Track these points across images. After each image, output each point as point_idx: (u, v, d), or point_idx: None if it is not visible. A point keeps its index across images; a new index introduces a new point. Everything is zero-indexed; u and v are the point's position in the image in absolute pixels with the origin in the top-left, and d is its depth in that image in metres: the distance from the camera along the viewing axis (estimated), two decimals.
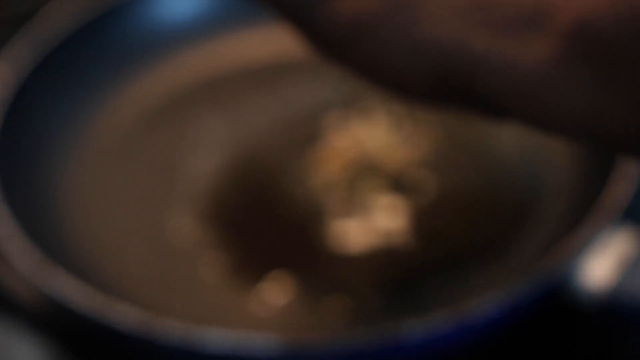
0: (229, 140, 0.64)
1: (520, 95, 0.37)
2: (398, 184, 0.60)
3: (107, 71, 0.66)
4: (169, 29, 0.68)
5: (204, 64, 0.69)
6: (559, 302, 0.51)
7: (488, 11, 0.37)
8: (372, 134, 0.60)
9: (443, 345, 0.50)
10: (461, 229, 0.58)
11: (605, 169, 0.54)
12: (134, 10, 0.68)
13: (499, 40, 0.37)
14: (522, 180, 0.60)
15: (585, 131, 0.37)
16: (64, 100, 0.65)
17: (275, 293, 0.55)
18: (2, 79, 0.62)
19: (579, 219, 0.53)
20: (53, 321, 0.56)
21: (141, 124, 0.65)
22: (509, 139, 0.61)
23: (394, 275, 0.56)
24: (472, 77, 0.38)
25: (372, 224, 0.58)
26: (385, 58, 0.40)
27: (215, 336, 0.48)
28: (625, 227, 0.51)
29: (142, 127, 0.65)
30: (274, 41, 0.68)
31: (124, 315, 0.50)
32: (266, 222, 0.59)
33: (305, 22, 0.43)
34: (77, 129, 0.64)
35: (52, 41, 0.64)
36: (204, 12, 0.69)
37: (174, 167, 0.63)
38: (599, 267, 0.50)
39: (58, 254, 0.56)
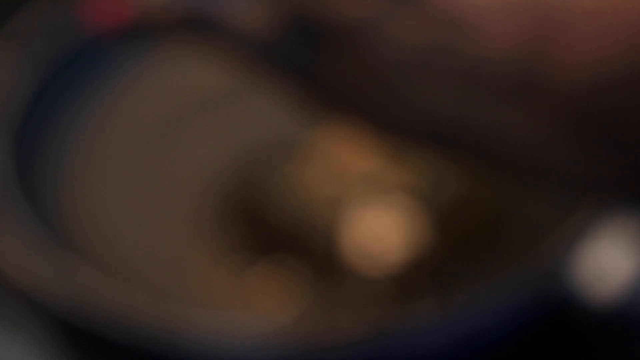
0: (227, 146, 0.64)
1: (514, 155, 0.39)
2: (395, 188, 0.60)
3: (111, 77, 0.67)
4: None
5: (202, 73, 0.68)
6: (560, 311, 0.51)
7: (486, 82, 0.39)
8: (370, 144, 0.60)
9: (442, 351, 0.49)
10: (461, 234, 0.58)
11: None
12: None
13: (498, 109, 0.39)
14: (521, 187, 0.60)
15: (572, 185, 0.40)
16: (65, 105, 0.65)
17: (276, 288, 0.56)
18: (7, 64, 0.63)
19: (580, 222, 0.53)
20: (58, 313, 0.56)
21: (144, 123, 0.66)
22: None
23: (391, 279, 0.56)
24: (463, 135, 0.40)
25: (368, 228, 0.58)
26: (376, 115, 0.42)
27: (213, 322, 0.48)
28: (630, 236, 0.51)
29: (143, 131, 0.65)
30: None
31: (131, 305, 0.50)
32: (263, 222, 0.59)
33: (291, 77, 0.43)
34: (87, 124, 0.65)
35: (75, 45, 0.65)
36: None
37: (174, 169, 0.63)
38: (601, 273, 0.50)
39: (62, 245, 0.56)
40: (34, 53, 0.64)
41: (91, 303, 0.51)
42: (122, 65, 0.67)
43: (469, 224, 0.58)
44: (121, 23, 0.43)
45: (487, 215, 0.58)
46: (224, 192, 0.62)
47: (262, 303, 0.55)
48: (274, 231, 0.59)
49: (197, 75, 0.69)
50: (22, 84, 0.62)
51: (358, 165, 0.60)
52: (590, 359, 0.53)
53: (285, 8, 0.42)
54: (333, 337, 0.48)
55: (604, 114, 0.36)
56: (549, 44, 0.37)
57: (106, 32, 0.43)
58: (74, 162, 0.63)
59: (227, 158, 0.64)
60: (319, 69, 0.42)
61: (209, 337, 0.49)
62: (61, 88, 0.65)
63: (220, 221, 0.60)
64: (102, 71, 0.67)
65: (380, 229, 0.58)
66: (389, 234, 0.58)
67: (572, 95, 0.37)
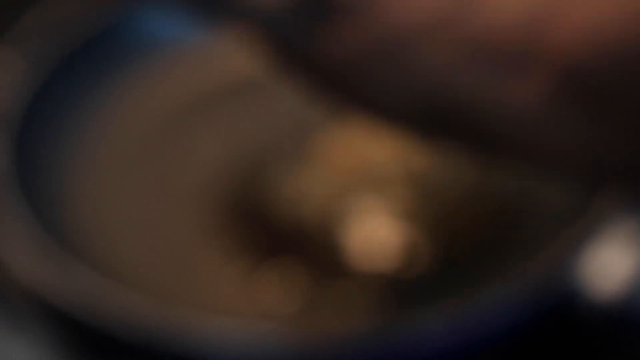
0: (229, 144, 0.64)
1: (512, 131, 0.38)
2: (397, 188, 0.60)
3: (111, 77, 0.67)
4: (170, 38, 0.69)
5: (204, 73, 0.69)
6: (561, 310, 0.52)
7: (480, 51, 0.38)
8: (370, 143, 0.60)
9: (445, 350, 0.50)
10: (463, 234, 0.58)
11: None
12: (141, 20, 0.69)
13: (490, 79, 0.38)
14: (525, 185, 0.60)
15: (576, 166, 0.39)
16: (66, 105, 0.65)
17: (279, 289, 0.56)
18: (7, 64, 0.62)
19: (583, 222, 0.53)
20: (58, 315, 0.56)
21: (147, 123, 0.66)
22: None
23: (394, 280, 0.56)
24: (466, 114, 0.39)
25: (370, 229, 0.58)
26: (378, 94, 0.41)
27: (219, 325, 0.49)
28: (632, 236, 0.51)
29: (145, 132, 0.65)
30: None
31: (131, 308, 0.50)
32: (266, 224, 0.59)
33: (295, 53, 0.42)
34: (89, 126, 0.64)
35: (73, 43, 0.65)
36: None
37: (176, 170, 0.63)
38: (604, 273, 0.50)
39: (63, 247, 0.56)
40: (34, 54, 0.64)
41: (94, 306, 0.51)
42: (124, 65, 0.67)
43: (472, 225, 0.58)
44: None
45: (490, 216, 0.58)
46: (228, 193, 0.61)
47: (265, 305, 0.55)
48: (277, 233, 0.58)
49: (199, 75, 0.69)
50: (23, 84, 0.62)
51: (361, 166, 0.60)
52: (593, 358, 0.53)
53: None
54: (335, 339, 0.48)
55: (604, 87, 0.36)
56: (549, 13, 0.37)
57: None
58: (76, 163, 0.63)
59: (230, 159, 0.63)
60: (323, 43, 0.41)
61: (212, 340, 0.48)
62: (63, 88, 0.65)
63: (224, 223, 0.60)
64: (104, 71, 0.66)
65: (384, 230, 0.58)
66: (393, 235, 0.58)
67: (572, 67, 0.36)
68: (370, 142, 0.60)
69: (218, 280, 0.56)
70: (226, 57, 0.69)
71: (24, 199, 0.58)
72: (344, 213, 0.59)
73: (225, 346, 0.49)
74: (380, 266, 0.56)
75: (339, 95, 0.42)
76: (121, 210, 0.61)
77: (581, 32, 0.36)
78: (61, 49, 0.65)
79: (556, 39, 0.37)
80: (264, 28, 0.42)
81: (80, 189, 0.62)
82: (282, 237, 0.58)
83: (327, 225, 0.58)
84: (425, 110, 0.40)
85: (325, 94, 0.43)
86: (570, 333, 0.54)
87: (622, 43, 0.35)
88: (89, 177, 0.63)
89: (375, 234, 0.58)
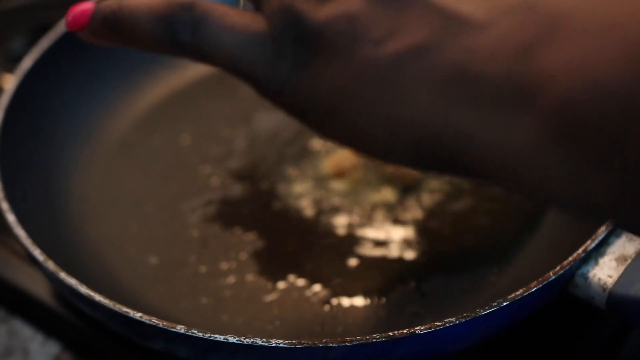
0: (232, 137, 0.65)
1: (504, 168, 0.36)
2: (404, 185, 0.60)
3: (113, 69, 0.67)
4: None
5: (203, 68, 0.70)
6: (566, 302, 0.51)
7: (470, 86, 0.36)
8: None
9: (450, 344, 0.50)
10: (468, 230, 0.58)
11: None
12: None
13: (482, 117, 0.36)
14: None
15: (570, 204, 0.36)
16: (69, 97, 0.65)
17: (285, 290, 0.56)
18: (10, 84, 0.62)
19: (585, 222, 0.53)
20: (66, 319, 0.56)
21: (149, 121, 0.66)
22: None
23: (402, 275, 0.56)
24: (456, 150, 0.37)
25: (379, 226, 0.59)
26: (365, 130, 0.39)
27: (228, 331, 0.49)
28: (625, 233, 0.51)
29: (149, 124, 0.66)
30: None
31: (136, 312, 0.50)
32: (271, 221, 0.59)
33: (277, 88, 0.41)
34: (83, 125, 0.65)
35: (55, 38, 0.64)
36: None
37: (181, 165, 0.63)
38: (606, 266, 0.50)
39: (68, 251, 0.57)
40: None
41: (103, 316, 0.51)
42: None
43: (482, 224, 0.58)
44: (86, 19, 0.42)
45: (500, 216, 0.59)
46: (226, 189, 0.62)
47: (267, 305, 0.55)
48: (277, 232, 0.59)
49: (191, 70, 0.69)
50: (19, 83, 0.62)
51: (362, 169, 0.61)
52: (596, 357, 0.54)
53: (271, 6, 0.40)
54: (336, 341, 0.48)
55: (598, 126, 0.33)
56: (542, 46, 0.35)
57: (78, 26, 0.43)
58: (71, 160, 0.63)
59: (226, 154, 0.64)
60: (305, 75, 0.40)
61: (214, 341, 0.49)
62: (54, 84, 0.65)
63: (225, 224, 0.60)
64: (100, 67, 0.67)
65: (386, 230, 0.59)
66: (401, 235, 0.58)
67: (564, 104, 0.34)
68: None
69: (219, 284, 0.57)
70: None
71: (27, 202, 0.58)
72: (344, 212, 0.60)
73: (226, 349, 0.49)
74: (383, 265, 0.57)
75: (319, 128, 0.41)
76: (120, 209, 0.61)
77: (574, 64, 0.34)
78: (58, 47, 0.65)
79: (547, 73, 0.35)
80: (241, 65, 0.41)
81: (82, 191, 0.62)
82: (279, 235, 0.59)
83: (328, 224, 0.59)
84: (411, 145, 0.38)
85: (310, 127, 0.41)
86: (572, 328, 0.55)
87: (614, 78, 0.33)
88: (89, 181, 0.63)
89: (375, 234, 0.58)
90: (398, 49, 0.38)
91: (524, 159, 0.36)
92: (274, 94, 0.41)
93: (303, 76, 0.40)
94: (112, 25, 0.43)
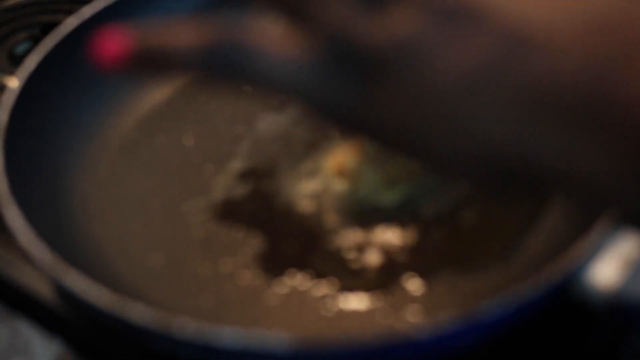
0: (235, 137, 0.65)
1: (572, 186, 0.36)
2: (406, 185, 0.60)
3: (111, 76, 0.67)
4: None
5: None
6: (567, 303, 0.51)
7: (546, 107, 0.35)
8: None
9: (450, 345, 0.50)
10: (469, 231, 0.58)
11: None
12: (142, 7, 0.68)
13: (556, 136, 0.35)
14: (534, 182, 0.60)
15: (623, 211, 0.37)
16: (72, 98, 0.65)
17: (286, 288, 0.56)
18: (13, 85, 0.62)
19: (586, 220, 0.53)
20: (65, 316, 0.56)
21: (151, 121, 0.66)
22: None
23: (403, 277, 0.56)
24: (526, 167, 0.37)
25: (381, 227, 0.59)
26: (433, 153, 0.38)
27: (230, 332, 0.49)
28: (630, 233, 0.51)
29: (151, 124, 0.66)
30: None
31: (139, 311, 0.50)
32: (273, 216, 0.59)
33: (338, 115, 0.39)
34: (86, 126, 0.65)
35: (58, 38, 0.65)
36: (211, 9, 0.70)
37: (183, 166, 0.63)
38: (607, 267, 0.50)
39: (70, 249, 0.56)
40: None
41: (106, 315, 0.51)
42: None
43: (483, 224, 0.58)
44: (125, 55, 0.40)
45: (501, 216, 0.59)
46: (228, 191, 0.61)
47: (269, 306, 0.55)
48: (277, 231, 0.59)
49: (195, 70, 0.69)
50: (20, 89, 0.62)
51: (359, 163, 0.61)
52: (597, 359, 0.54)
53: (321, 31, 0.38)
54: (336, 340, 0.48)
55: None
56: (620, 66, 0.34)
57: (112, 65, 0.40)
58: (82, 162, 0.63)
59: (228, 155, 0.64)
60: (360, 101, 0.38)
61: (225, 347, 0.49)
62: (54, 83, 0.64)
63: (228, 222, 0.60)
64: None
65: (385, 230, 0.58)
66: (401, 235, 0.58)
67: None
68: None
69: (223, 285, 0.57)
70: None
71: (31, 200, 0.58)
72: (346, 212, 0.60)
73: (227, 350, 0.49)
74: (382, 265, 0.57)
75: (392, 148, 0.40)
76: (129, 207, 0.61)
77: None
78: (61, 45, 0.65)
79: (627, 94, 0.34)
80: (290, 87, 0.39)
81: (87, 190, 0.62)
82: (282, 236, 0.59)
83: (331, 225, 0.59)
84: (484, 168, 0.38)
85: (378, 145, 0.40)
86: (573, 331, 0.54)
87: None
88: (95, 180, 0.63)
89: (375, 234, 0.58)
90: (467, 72, 0.36)
91: (599, 177, 0.35)
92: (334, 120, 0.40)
93: (360, 101, 0.38)
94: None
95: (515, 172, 0.37)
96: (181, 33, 0.40)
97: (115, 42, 0.40)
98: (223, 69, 0.40)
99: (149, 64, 0.40)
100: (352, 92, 0.38)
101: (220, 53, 0.39)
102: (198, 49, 0.39)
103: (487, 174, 0.38)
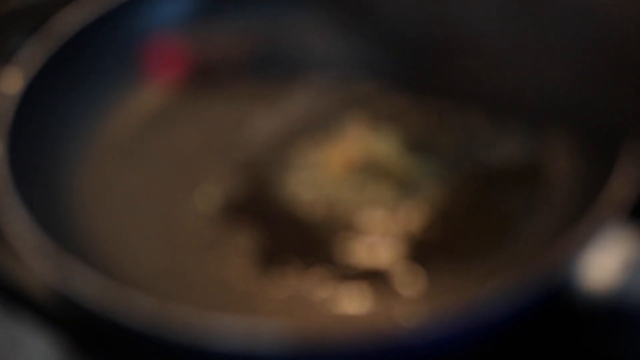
0: (239, 134, 0.65)
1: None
2: (400, 184, 0.61)
3: (116, 68, 0.67)
4: (176, 27, 0.69)
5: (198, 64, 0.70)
6: (561, 301, 0.52)
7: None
8: (381, 140, 0.61)
9: (443, 345, 0.50)
10: (462, 229, 0.58)
11: (607, 168, 0.54)
12: (140, 10, 0.69)
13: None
14: (525, 180, 0.61)
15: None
16: (73, 97, 0.65)
17: (288, 287, 0.56)
18: (13, 83, 0.62)
19: (581, 217, 0.53)
20: (65, 315, 0.56)
21: (152, 120, 0.66)
22: (513, 141, 0.62)
23: (403, 277, 0.56)
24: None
25: (382, 225, 0.59)
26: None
27: (229, 330, 0.49)
28: (629, 227, 0.51)
29: (152, 124, 0.66)
30: (286, 41, 0.68)
31: (137, 308, 0.50)
32: (275, 215, 0.60)
33: None
34: (87, 125, 0.65)
35: (60, 40, 0.65)
36: (210, 10, 0.70)
37: (183, 164, 0.64)
38: (602, 265, 0.50)
39: (70, 248, 0.56)
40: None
41: (103, 313, 0.51)
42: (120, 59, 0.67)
43: (477, 223, 0.59)
44: (184, 70, 0.39)
45: (495, 215, 0.59)
46: (228, 190, 0.62)
47: (269, 303, 0.56)
48: (278, 232, 0.59)
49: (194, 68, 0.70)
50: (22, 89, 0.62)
51: (358, 163, 0.61)
52: (592, 358, 0.54)
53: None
54: (335, 337, 0.48)
55: None
56: None
57: (170, 80, 0.40)
58: (83, 159, 0.63)
59: (230, 154, 0.64)
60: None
61: (217, 339, 0.49)
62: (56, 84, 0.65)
63: (229, 221, 0.60)
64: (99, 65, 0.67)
65: (384, 229, 0.59)
66: (396, 233, 0.59)
67: None
68: (382, 144, 0.61)
69: (224, 281, 0.57)
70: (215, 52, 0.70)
71: (30, 197, 0.57)
72: (343, 212, 0.60)
73: (229, 345, 0.49)
74: (380, 264, 0.57)
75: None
76: (130, 205, 0.61)
77: None
78: (63, 42, 0.65)
79: None
80: None
81: (87, 188, 0.62)
82: (284, 235, 0.59)
83: (328, 224, 0.59)
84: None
85: None
86: (568, 330, 0.54)
87: None
88: (96, 177, 0.63)
89: (377, 233, 0.59)
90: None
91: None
92: None
93: None
94: None
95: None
96: (234, 44, 0.40)
97: (173, 57, 0.40)
98: (274, 75, 0.40)
99: (206, 76, 0.40)
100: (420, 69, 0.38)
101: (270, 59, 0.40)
102: (250, 57, 0.40)
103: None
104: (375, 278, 0.56)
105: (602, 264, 0.50)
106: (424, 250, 0.58)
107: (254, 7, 0.67)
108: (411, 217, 0.59)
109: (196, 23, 0.68)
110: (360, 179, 0.61)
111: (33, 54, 0.64)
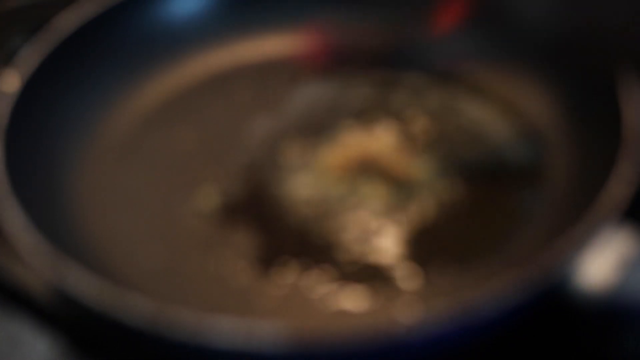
0: (237, 134, 0.65)
1: None
2: (399, 185, 0.61)
3: (115, 68, 0.67)
4: (176, 28, 0.70)
5: (211, 63, 0.70)
6: (559, 301, 0.52)
7: None
8: (379, 140, 0.61)
9: (441, 345, 0.50)
10: (461, 229, 0.58)
11: (605, 169, 0.54)
12: (143, 8, 0.69)
13: None
14: (524, 181, 0.61)
15: None
16: (71, 97, 0.65)
17: (286, 287, 0.56)
18: (12, 82, 0.62)
19: (578, 218, 0.53)
20: (64, 315, 0.57)
21: (150, 121, 0.66)
22: (510, 142, 0.63)
23: (400, 279, 0.56)
24: None
25: (379, 227, 0.59)
26: None
27: (227, 329, 0.49)
28: (626, 227, 0.52)
29: (151, 124, 0.66)
30: (288, 43, 0.70)
31: (135, 308, 0.50)
32: (273, 215, 0.60)
33: None
34: (86, 125, 0.65)
35: (58, 40, 0.65)
36: (210, 11, 0.70)
37: (182, 164, 0.64)
38: (599, 265, 0.50)
39: (68, 248, 0.56)
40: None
41: (101, 312, 0.51)
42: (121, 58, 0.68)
43: (474, 224, 0.59)
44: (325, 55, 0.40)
45: (493, 215, 0.59)
46: (228, 190, 0.62)
47: (268, 304, 0.56)
48: (278, 234, 0.59)
49: (191, 71, 0.70)
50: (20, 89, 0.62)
51: (371, 163, 0.61)
52: (589, 358, 0.54)
53: None
54: (334, 338, 0.48)
55: None
56: None
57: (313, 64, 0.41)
58: (81, 158, 0.63)
59: (229, 154, 0.64)
60: None
61: (221, 344, 0.49)
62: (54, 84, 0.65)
63: (227, 221, 0.60)
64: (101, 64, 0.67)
65: (383, 229, 0.59)
66: (393, 235, 0.59)
67: None
68: (380, 143, 0.61)
69: (226, 276, 0.57)
70: (239, 49, 0.70)
71: (28, 196, 0.58)
72: (342, 212, 0.60)
73: (227, 345, 0.49)
74: (379, 264, 0.57)
75: None
76: (129, 205, 0.61)
77: None
78: (62, 40, 0.65)
79: None
80: None
81: (86, 188, 0.62)
82: (282, 235, 0.59)
83: (326, 224, 0.59)
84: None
85: None
86: (565, 330, 0.54)
87: None
88: (94, 177, 0.63)
89: (374, 235, 0.59)
90: None
91: None
92: None
93: None
94: None
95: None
96: (370, 34, 0.42)
97: (316, 42, 0.42)
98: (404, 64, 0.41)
99: (345, 63, 0.41)
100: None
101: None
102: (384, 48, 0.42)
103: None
104: (374, 278, 0.56)
105: (598, 264, 0.50)
106: (423, 250, 0.58)
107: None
108: (410, 217, 0.59)
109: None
110: (358, 179, 0.61)
111: (32, 54, 0.64)
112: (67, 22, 0.66)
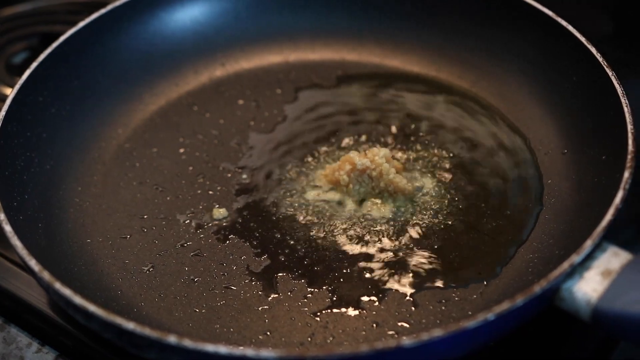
0: (229, 149, 0.65)
1: None
2: (398, 199, 0.61)
3: (111, 78, 0.68)
4: (174, 39, 0.70)
5: (209, 74, 0.71)
6: (552, 314, 0.52)
7: None
8: (377, 153, 0.61)
9: (436, 356, 0.50)
10: (458, 244, 0.59)
11: (601, 199, 0.55)
12: (139, 22, 0.69)
13: None
14: (522, 198, 0.61)
15: None
16: (70, 102, 0.65)
17: (281, 301, 0.56)
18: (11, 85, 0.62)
19: (572, 237, 0.55)
20: (63, 319, 0.57)
21: (144, 135, 0.67)
22: (511, 171, 0.63)
23: (393, 286, 0.57)
24: None
25: (372, 238, 0.59)
26: None
27: (223, 344, 0.49)
28: (610, 247, 0.52)
29: (144, 139, 0.66)
30: (292, 49, 0.71)
31: (134, 323, 0.50)
32: (265, 231, 0.60)
33: None
34: (79, 141, 0.65)
35: (58, 41, 0.65)
36: (208, 23, 0.71)
37: (176, 177, 0.64)
38: (591, 280, 0.51)
39: (66, 261, 0.57)
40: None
41: (89, 322, 0.52)
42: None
43: (474, 237, 0.59)
44: None
45: (491, 230, 0.59)
46: (222, 203, 0.62)
47: (259, 320, 0.56)
48: (270, 247, 0.59)
49: (189, 82, 0.70)
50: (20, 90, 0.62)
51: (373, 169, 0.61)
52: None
53: None
54: (326, 353, 0.49)
55: None
56: None
57: None
58: (78, 171, 0.64)
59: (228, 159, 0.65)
60: None
61: (205, 355, 0.49)
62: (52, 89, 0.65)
63: (220, 234, 0.60)
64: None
65: (382, 245, 0.59)
66: (394, 241, 0.59)
67: None
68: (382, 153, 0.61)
69: (219, 294, 0.57)
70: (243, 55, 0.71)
71: (25, 208, 0.58)
72: (338, 223, 0.60)
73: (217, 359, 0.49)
74: (374, 277, 0.57)
75: None
76: (116, 219, 0.61)
77: None
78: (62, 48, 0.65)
79: None
80: None
81: (83, 195, 0.62)
82: (275, 245, 0.59)
83: (322, 235, 0.59)
84: None
85: None
86: (558, 339, 0.55)
87: None
88: (91, 186, 0.63)
89: (367, 246, 0.59)
90: None
91: None
92: None
93: None
94: None
95: None
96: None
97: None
98: None
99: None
100: None
101: None
102: None
103: None
104: (371, 292, 0.57)
105: (587, 278, 0.51)
106: (422, 259, 0.58)
107: None
108: (409, 226, 0.60)
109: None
110: (358, 192, 0.61)
111: (32, 56, 0.64)
112: (67, 24, 0.66)
